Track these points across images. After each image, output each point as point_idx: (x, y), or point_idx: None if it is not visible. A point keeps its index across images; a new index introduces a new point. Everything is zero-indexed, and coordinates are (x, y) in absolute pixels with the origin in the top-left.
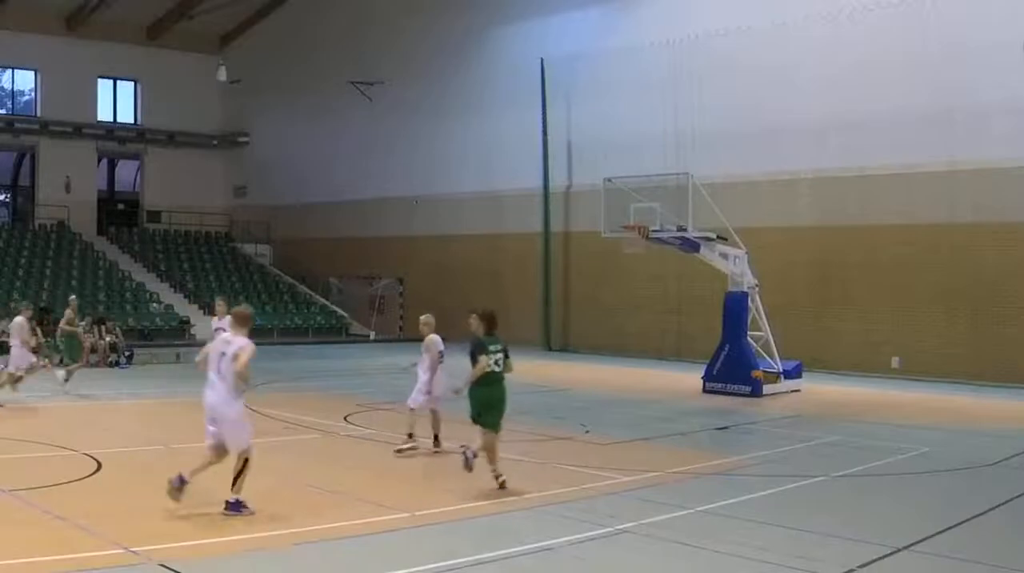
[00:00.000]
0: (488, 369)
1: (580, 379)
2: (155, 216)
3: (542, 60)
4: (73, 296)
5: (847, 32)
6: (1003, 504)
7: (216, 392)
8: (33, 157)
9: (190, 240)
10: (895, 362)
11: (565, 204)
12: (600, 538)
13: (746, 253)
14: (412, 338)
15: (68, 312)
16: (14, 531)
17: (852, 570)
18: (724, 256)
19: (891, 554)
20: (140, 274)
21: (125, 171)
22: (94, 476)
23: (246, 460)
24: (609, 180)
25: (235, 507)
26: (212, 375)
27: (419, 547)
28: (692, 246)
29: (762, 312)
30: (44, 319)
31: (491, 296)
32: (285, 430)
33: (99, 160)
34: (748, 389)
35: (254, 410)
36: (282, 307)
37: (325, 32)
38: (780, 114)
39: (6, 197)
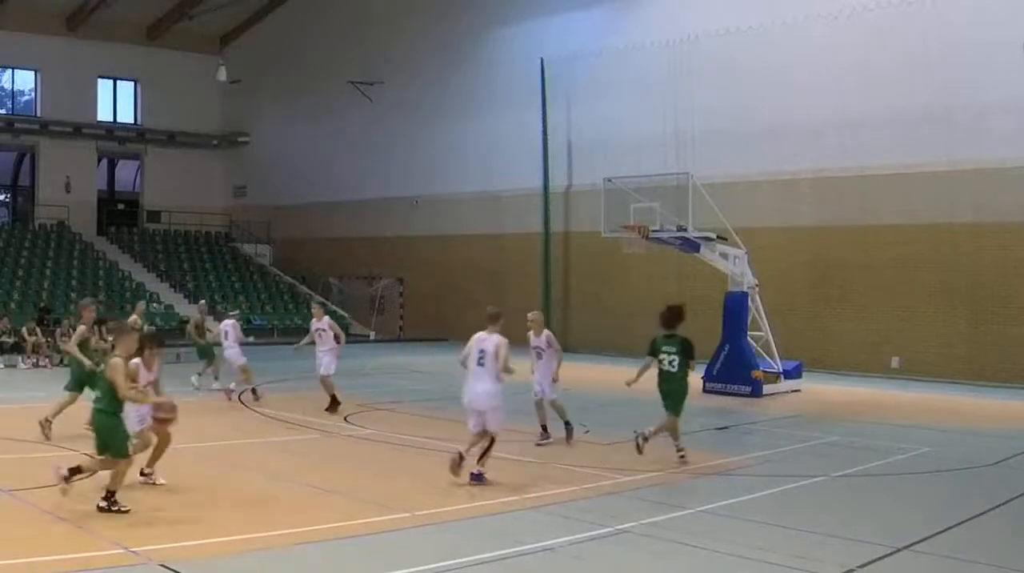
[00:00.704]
0: (661, 368)
1: (580, 379)
2: (155, 216)
3: (542, 60)
4: (203, 301)
5: (847, 32)
6: (1003, 504)
7: (481, 383)
8: (33, 157)
9: (190, 240)
10: (895, 362)
11: (565, 204)
12: (600, 538)
13: (746, 253)
14: (412, 338)
15: (198, 316)
16: (14, 531)
17: (852, 570)
18: (724, 256)
19: (891, 554)
20: (140, 274)
21: (125, 171)
22: (94, 476)
23: (493, 440)
24: (609, 180)
25: (478, 477)
26: (476, 369)
27: (419, 547)
28: (692, 246)
29: (762, 312)
30: (44, 319)
31: (491, 296)
32: (285, 430)
33: (99, 160)
34: (748, 389)
35: (253, 410)
36: (282, 307)
37: (325, 32)
38: (780, 114)
39: (6, 197)
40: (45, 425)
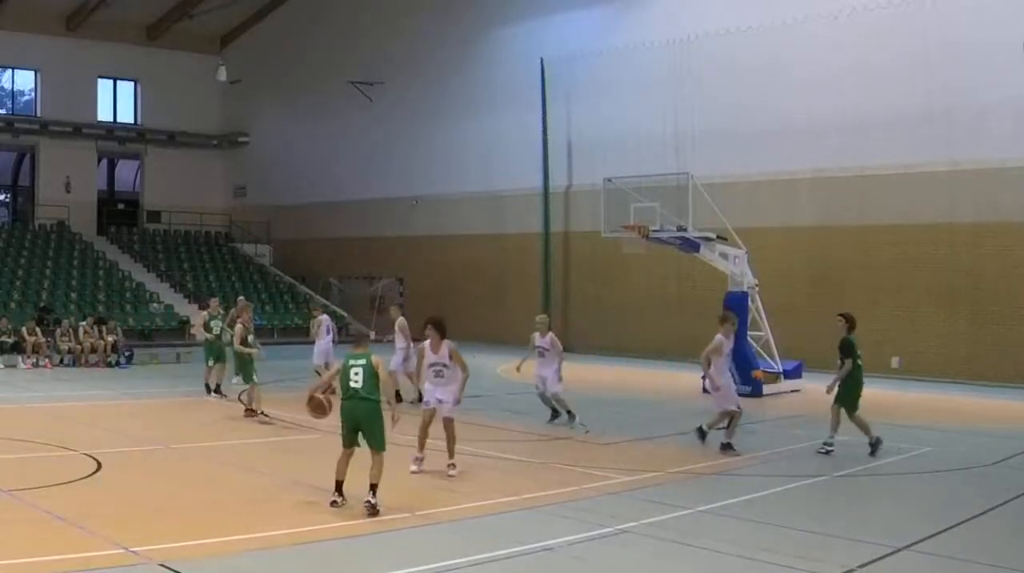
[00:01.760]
0: (860, 363)
1: (580, 379)
2: (155, 216)
3: (542, 60)
4: (242, 297)
5: (847, 32)
6: (1003, 504)
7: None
8: (33, 157)
9: (190, 240)
10: (895, 362)
11: (565, 204)
12: (600, 538)
13: (746, 253)
14: (412, 339)
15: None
16: (14, 531)
17: (852, 570)
18: (724, 256)
19: (891, 554)
20: (140, 274)
21: (125, 171)
22: (94, 476)
23: (733, 416)
24: (609, 180)
25: (728, 447)
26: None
27: (419, 547)
28: (692, 246)
29: (762, 312)
30: (44, 319)
31: (491, 296)
32: (285, 430)
33: (99, 160)
34: (748, 389)
35: (254, 410)
36: (282, 307)
37: (325, 32)
38: (780, 114)
39: (6, 197)
40: (261, 415)
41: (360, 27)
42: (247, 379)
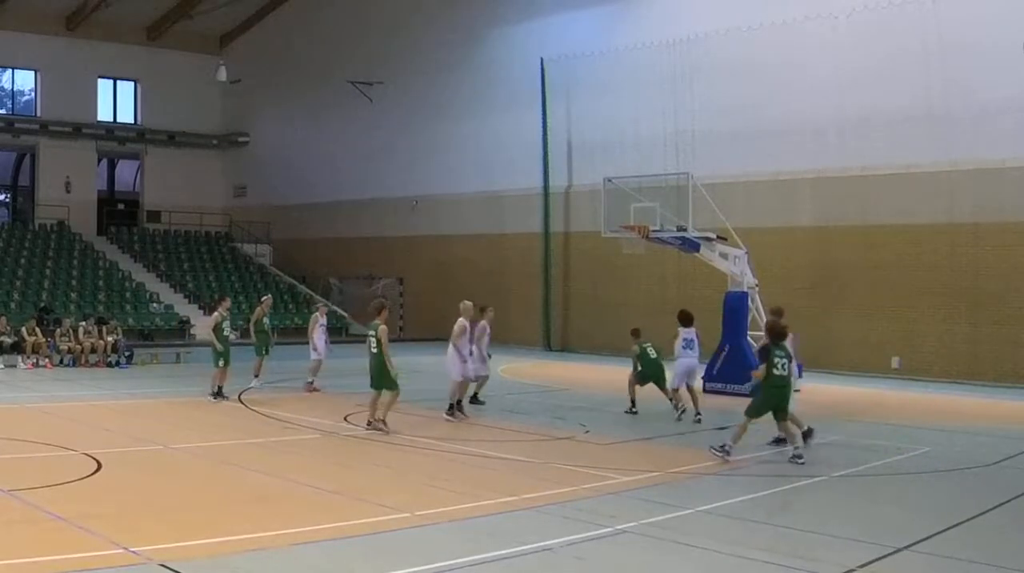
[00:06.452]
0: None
1: (580, 379)
2: (155, 216)
3: (542, 60)
4: (267, 296)
5: (847, 32)
6: (1003, 504)
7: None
8: (33, 157)
9: (190, 240)
10: (895, 362)
11: (565, 204)
12: (600, 538)
13: (746, 253)
14: (412, 338)
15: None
16: (14, 531)
17: (852, 570)
18: (724, 256)
19: (891, 554)
20: (140, 274)
21: (125, 171)
22: (94, 476)
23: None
24: (609, 180)
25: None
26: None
27: (419, 547)
28: (692, 246)
29: (762, 312)
30: (44, 319)
31: (491, 296)
32: (285, 430)
33: (99, 160)
34: (748, 389)
35: (254, 410)
36: (282, 307)
37: (325, 32)
38: (780, 114)
39: (6, 197)
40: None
41: (360, 27)
42: (215, 364)
